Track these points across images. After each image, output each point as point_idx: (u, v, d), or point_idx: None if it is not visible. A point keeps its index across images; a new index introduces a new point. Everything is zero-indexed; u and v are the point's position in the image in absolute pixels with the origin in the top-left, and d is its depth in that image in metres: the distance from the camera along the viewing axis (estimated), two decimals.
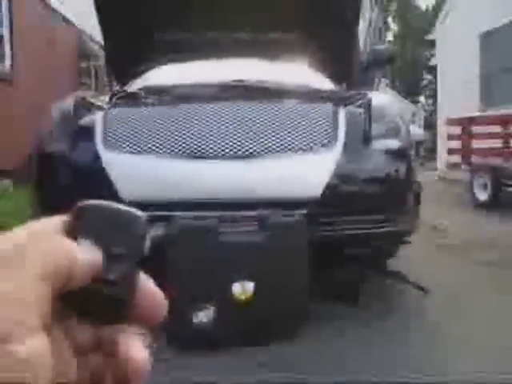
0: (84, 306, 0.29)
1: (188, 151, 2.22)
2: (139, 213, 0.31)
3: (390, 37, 35.45)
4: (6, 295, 0.25)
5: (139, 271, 0.30)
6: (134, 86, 3.32)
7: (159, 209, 2.15)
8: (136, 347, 0.29)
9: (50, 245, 0.27)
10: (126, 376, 0.29)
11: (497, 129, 7.46)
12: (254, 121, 2.35)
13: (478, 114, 9.19)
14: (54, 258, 0.27)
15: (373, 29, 4.51)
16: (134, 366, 0.28)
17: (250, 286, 2.00)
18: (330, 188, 2.20)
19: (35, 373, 0.25)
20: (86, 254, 0.28)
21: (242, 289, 2.00)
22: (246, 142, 2.25)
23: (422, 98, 36.55)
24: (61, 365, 0.27)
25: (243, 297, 2.01)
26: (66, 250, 0.28)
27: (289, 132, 2.31)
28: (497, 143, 7.41)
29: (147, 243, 0.31)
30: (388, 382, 1.86)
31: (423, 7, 35.07)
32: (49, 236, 0.28)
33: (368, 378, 1.87)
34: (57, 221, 0.30)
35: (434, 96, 22.82)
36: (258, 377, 1.86)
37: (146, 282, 0.31)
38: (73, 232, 0.29)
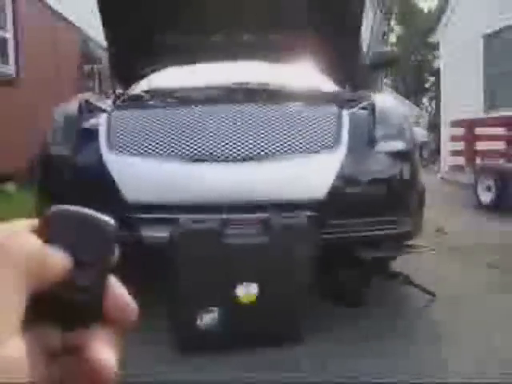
0: (54, 310, 0.29)
1: (192, 154, 2.22)
2: (109, 219, 0.32)
3: (393, 39, 35.47)
4: None
5: (109, 276, 0.31)
6: (138, 88, 3.32)
7: (163, 211, 2.16)
8: (105, 350, 0.29)
9: (22, 244, 0.28)
10: (95, 379, 0.29)
11: (501, 131, 7.44)
12: (257, 123, 2.34)
13: (481, 115, 9.17)
14: (28, 258, 0.27)
15: (376, 30, 4.50)
16: (103, 370, 0.29)
17: (253, 288, 1.99)
18: (333, 190, 2.19)
19: (15, 375, 0.25)
20: (55, 256, 0.28)
21: (246, 291, 1.99)
22: (250, 144, 2.25)
23: (425, 100, 36.50)
24: (31, 367, 0.27)
25: (247, 299, 2.00)
26: (38, 249, 0.28)
27: (293, 134, 2.31)
28: (500, 145, 7.39)
29: (117, 248, 0.31)
30: (388, 383, 1.85)
31: (425, 9, 35.03)
32: (21, 236, 0.28)
33: (368, 379, 1.87)
34: (26, 224, 0.30)
35: (437, 98, 22.78)
36: (258, 377, 1.86)
37: (116, 286, 0.31)
38: (42, 237, 0.29)
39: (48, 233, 0.30)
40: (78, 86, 9.45)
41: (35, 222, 0.30)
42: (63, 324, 0.29)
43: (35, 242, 0.28)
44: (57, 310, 0.29)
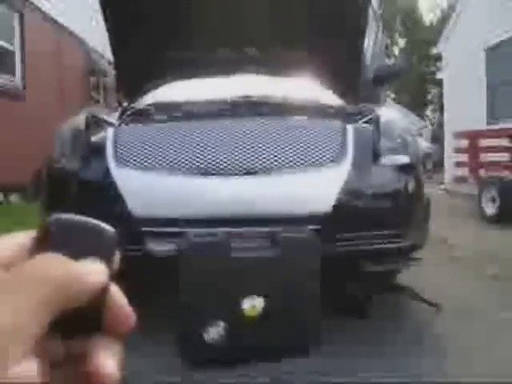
0: (54, 319, 0.29)
1: (198, 167, 2.23)
2: (108, 226, 0.32)
3: (396, 51, 35.64)
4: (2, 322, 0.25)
5: (109, 284, 0.31)
6: (144, 102, 3.35)
7: (169, 225, 2.16)
8: (104, 358, 0.29)
9: (48, 269, 0.28)
10: None
11: (504, 142, 7.44)
12: (262, 137, 2.36)
13: (484, 127, 9.19)
14: (53, 282, 0.27)
15: (379, 44, 4.54)
16: (105, 378, 0.29)
17: (261, 301, 2.00)
18: (338, 204, 2.20)
19: None
20: (87, 274, 0.29)
21: (253, 305, 1.99)
22: (255, 158, 2.26)
23: (428, 112, 36.53)
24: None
25: (253, 313, 2.00)
26: (65, 273, 0.28)
27: (297, 148, 2.32)
28: (505, 156, 7.39)
29: (117, 255, 0.32)
30: (388, 383, 1.85)
31: (427, 22, 35.22)
32: (48, 260, 0.28)
33: (368, 379, 1.87)
34: (25, 237, 0.30)
35: (440, 109, 22.82)
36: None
37: (116, 295, 0.31)
38: (43, 247, 0.29)
39: (48, 240, 0.30)
40: (85, 100, 9.52)
41: (32, 233, 0.30)
42: (63, 332, 0.29)
43: (63, 265, 0.28)
44: (57, 318, 0.28)
